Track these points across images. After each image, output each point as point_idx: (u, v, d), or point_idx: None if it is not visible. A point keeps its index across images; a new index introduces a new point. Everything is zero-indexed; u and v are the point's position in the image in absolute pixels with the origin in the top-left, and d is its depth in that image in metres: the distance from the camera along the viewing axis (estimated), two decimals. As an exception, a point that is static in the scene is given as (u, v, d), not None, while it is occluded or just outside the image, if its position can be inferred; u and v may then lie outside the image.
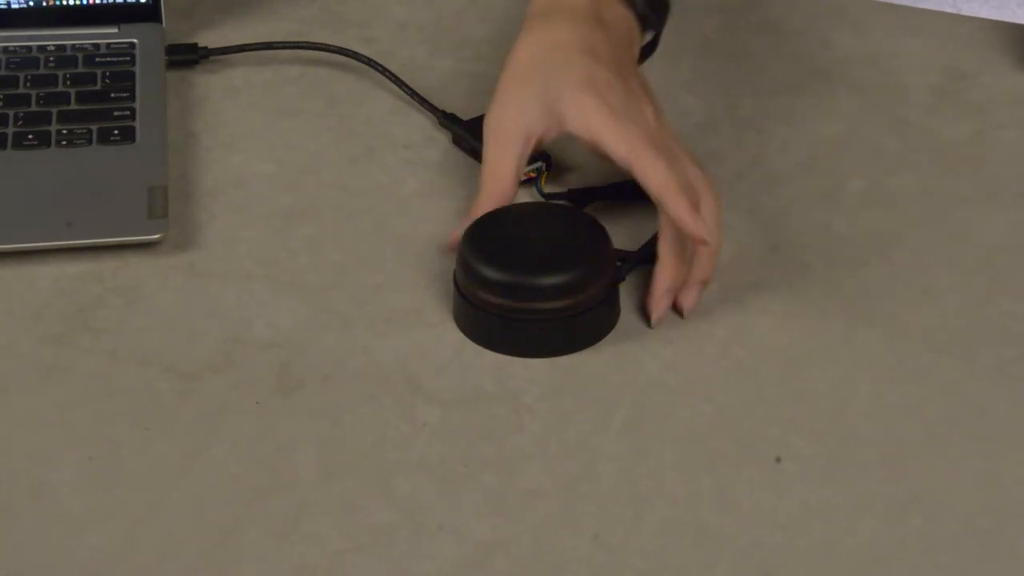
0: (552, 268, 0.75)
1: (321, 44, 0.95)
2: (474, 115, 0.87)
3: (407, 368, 0.74)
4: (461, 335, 0.76)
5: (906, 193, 0.86)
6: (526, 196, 0.85)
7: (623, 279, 0.78)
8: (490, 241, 0.76)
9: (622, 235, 0.80)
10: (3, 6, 0.92)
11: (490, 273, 0.74)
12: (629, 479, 0.69)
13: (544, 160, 0.85)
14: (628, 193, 0.80)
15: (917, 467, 0.70)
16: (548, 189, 0.85)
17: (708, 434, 0.71)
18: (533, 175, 0.85)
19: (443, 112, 0.90)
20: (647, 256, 0.78)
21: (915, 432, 0.71)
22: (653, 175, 0.76)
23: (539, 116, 0.79)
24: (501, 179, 0.80)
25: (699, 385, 0.74)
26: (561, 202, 0.83)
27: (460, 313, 0.77)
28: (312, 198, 0.85)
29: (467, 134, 0.88)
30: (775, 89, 0.93)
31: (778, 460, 0.70)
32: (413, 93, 0.91)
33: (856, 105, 0.92)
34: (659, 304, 0.77)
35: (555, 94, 0.79)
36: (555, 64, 0.79)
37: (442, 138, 0.89)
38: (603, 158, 0.79)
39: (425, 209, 0.84)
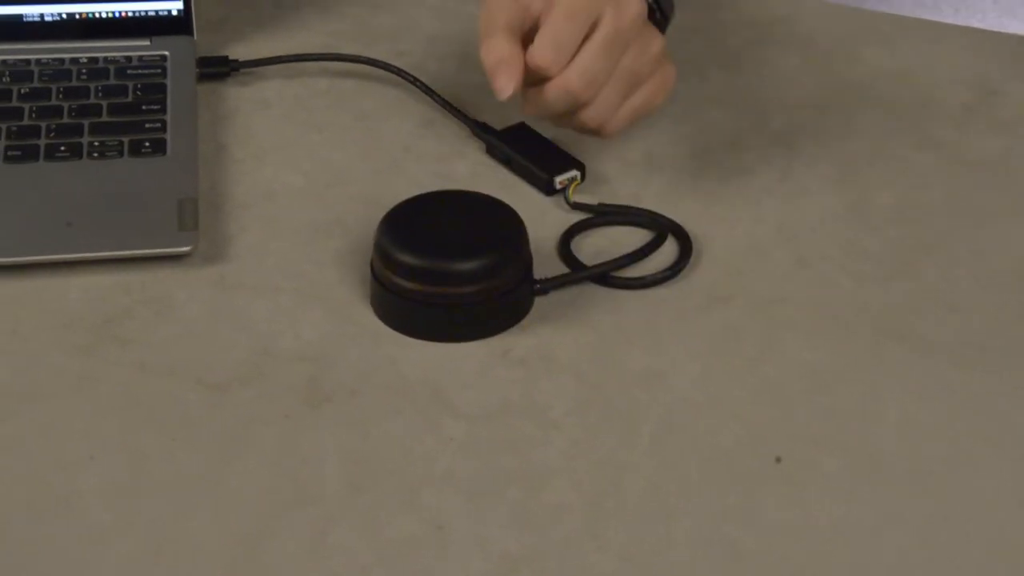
0: (465, 254, 0.75)
1: (351, 56, 0.95)
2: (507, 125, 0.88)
3: (433, 381, 0.75)
4: (488, 348, 0.76)
5: (935, 209, 0.86)
6: (553, 206, 0.85)
7: (545, 292, 0.79)
8: (406, 227, 0.77)
9: (593, 255, 0.80)
10: (36, 19, 0.93)
11: (405, 258, 0.75)
12: (656, 495, 0.69)
13: (579, 170, 0.86)
14: (652, 247, 0.81)
15: (945, 484, 0.70)
16: (577, 199, 0.85)
17: (735, 450, 0.71)
18: (565, 184, 0.85)
19: (476, 121, 0.90)
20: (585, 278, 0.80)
21: (943, 449, 0.71)
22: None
23: None
24: (492, 9, 0.80)
25: (726, 401, 0.74)
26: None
27: (376, 298, 0.78)
28: (341, 211, 0.85)
29: (501, 143, 0.88)
30: (804, 104, 0.93)
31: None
32: (445, 103, 0.92)
33: (885, 121, 0.92)
34: (492, 70, 0.78)
35: None
36: None
37: (471, 151, 0.89)
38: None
39: (453, 222, 0.84)
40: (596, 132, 0.82)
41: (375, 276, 0.77)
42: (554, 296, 0.79)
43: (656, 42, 0.80)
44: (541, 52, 0.78)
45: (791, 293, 0.80)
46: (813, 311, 0.79)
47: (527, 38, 0.79)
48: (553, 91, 0.79)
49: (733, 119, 0.92)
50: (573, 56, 0.78)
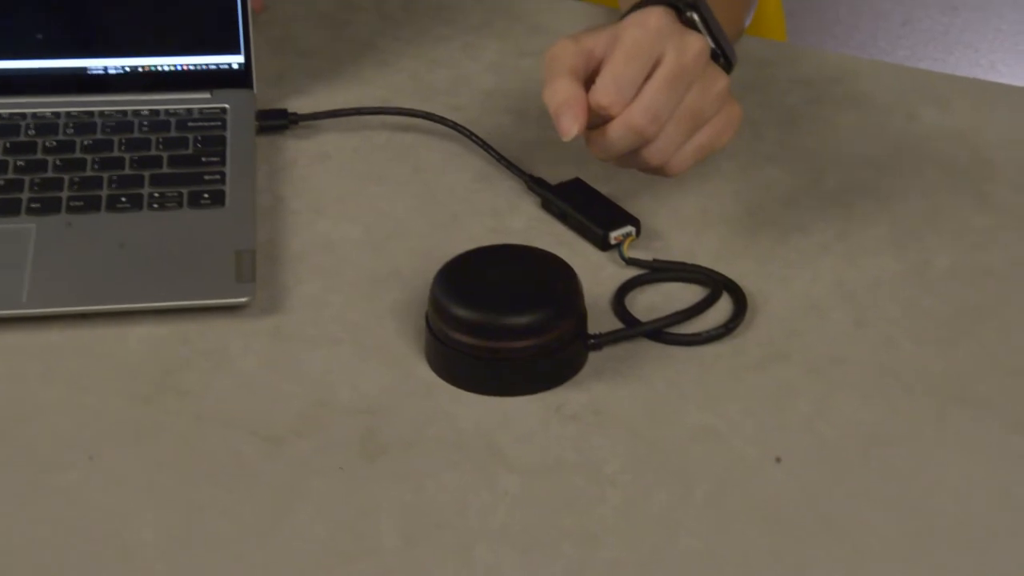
0: (519, 308, 0.76)
1: (409, 110, 0.96)
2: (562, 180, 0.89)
3: (488, 435, 0.75)
4: (542, 403, 0.76)
5: (994, 270, 0.85)
6: (608, 261, 0.85)
7: (599, 347, 0.79)
8: (461, 281, 0.77)
9: (647, 311, 0.80)
10: (100, 71, 0.94)
11: (460, 312, 0.75)
12: (710, 553, 0.69)
13: (634, 225, 0.86)
14: (706, 304, 0.82)
15: (1004, 552, 0.69)
16: (632, 255, 0.85)
17: (790, 509, 0.71)
18: (620, 239, 0.86)
19: (531, 176, 0.91)
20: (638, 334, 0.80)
21: (1002, 516, 0.70)
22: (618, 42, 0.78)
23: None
24: (556, 55, 0.80)
25: (782, 460, 0.73)
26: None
27: (431, 352, 0.78)
28: (397, 263, 0.85)
29: (556, 198, 0.88)
30: (861, 163, 0.93)
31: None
32: (500, 158, 0.92)
33: (943, 180, 0.92)
34: (556, 111, 0.79)
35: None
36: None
37: (527, 206, 0.90)
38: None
39: (509, 277, 0.84)
40: (660, 170, 0.82)
41: (430, 329, 0.78)
42: (608, 351, 0.79)
43: (720, 81, 0.81)
44: (603, 91, 0.78)
45: (848, 353, 0.79)
46: (870, 371, 0.78)
47: (590, 82, 0.80)
48: (616, 129, 0.79)
49: (789, 177, 0.92)
50: (636, 95, 0.78)
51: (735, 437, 0.74)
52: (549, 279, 0.78)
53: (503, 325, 0.76)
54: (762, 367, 0.79)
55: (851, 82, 1.01)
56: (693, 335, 0.80)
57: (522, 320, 0.76)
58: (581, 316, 0.78)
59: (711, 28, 0.82)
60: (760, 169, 0.92)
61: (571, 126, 0.78)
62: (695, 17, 0.82)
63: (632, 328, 0.80)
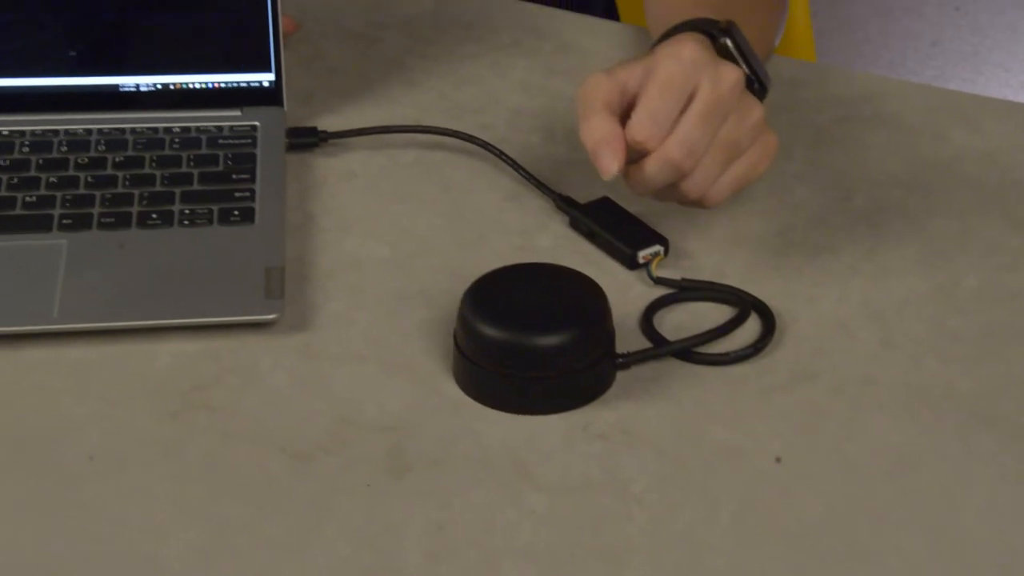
0: (547, 327, 0.76)
1: (437, 128, 0.96)
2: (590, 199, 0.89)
3: (515, 453, 0.75)
4: (570, 421, 0.76)
5: (1023, 291, 0.85)
6: (636, 280, 0.85)
7: (627, 366, 0.79)
8: (489, 300, 0.77)
9: (675, 331, 0.80)
10: (132, 89, 0.95)
11: (488, 331, 0.76)
12: (736, 573, 0.68)
13: (662, 244, 0.86)
14: (735, 324, 0.81)
15: (1032, 572, 0.69)
16: (660, 274, 0.85)
17: (817, 530, 0.71)
18: (649, 258, 0.86)
19: (559, 195, 0.91)
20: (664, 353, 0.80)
21: (1030, 536, 0.70)
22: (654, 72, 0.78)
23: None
24: (590, 91, 0.80)
25: (808, 480, 0.73)
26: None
27: (458, 369, 0.78)
28: (425, 281, 0.86)
29: (584, 217, 0.89)
30: (889, 183, 0.93)
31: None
32: (529, 176, 0.93)
33: (972, 201, 0.92)
34: (594, 150, 0.79)
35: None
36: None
37: (555, 224, 0.90)
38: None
39: (537, 295, 0.85)
40: (698, 203, 0.82)
41: (458, 347, 0.78)
42: (636, 371, 0.79)
43: (755, 111, 0.81)
44: (639, 126, 0.78)
45: (876, 373, 0.79)
46: (899, 392, 0.78)
47: (626, 116, 0.80)
48: (654, 164, 0.79)
49: (818, 197, 0.92)
50: (672, 129, 0.78)
51: (762, 457, 0.74)
52: (577, 298, 0.78)
53: (531, 344, 0.76)
54: (790, 387, 0.79)
55: (880, 102, 1.00)
56: (721, 355, 0.80)
57: (550, 339, 0.76)
58: (609, 335, 0.78)
59: (745, 54, 0.83)
60: (789, 189, 0.92)
61: (611, 164, 0.78)
62: (729, 44, 0.82)
63: (660, 347, 0.80)
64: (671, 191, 0.81)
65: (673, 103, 0.78)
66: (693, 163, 0.79)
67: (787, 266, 0.87)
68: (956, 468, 0.74)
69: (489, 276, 0.80)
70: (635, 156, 0.80)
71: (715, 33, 0.83)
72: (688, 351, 0.80)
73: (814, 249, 0.88)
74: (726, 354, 0.80)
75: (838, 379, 0.79)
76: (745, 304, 0.83)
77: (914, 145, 0.97)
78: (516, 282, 0.79)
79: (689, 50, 0.79)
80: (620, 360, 0.79)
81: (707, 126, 0.78)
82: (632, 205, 0.89)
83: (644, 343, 0.81)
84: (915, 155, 0.96)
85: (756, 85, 0.83)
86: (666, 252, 0.86)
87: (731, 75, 0.79)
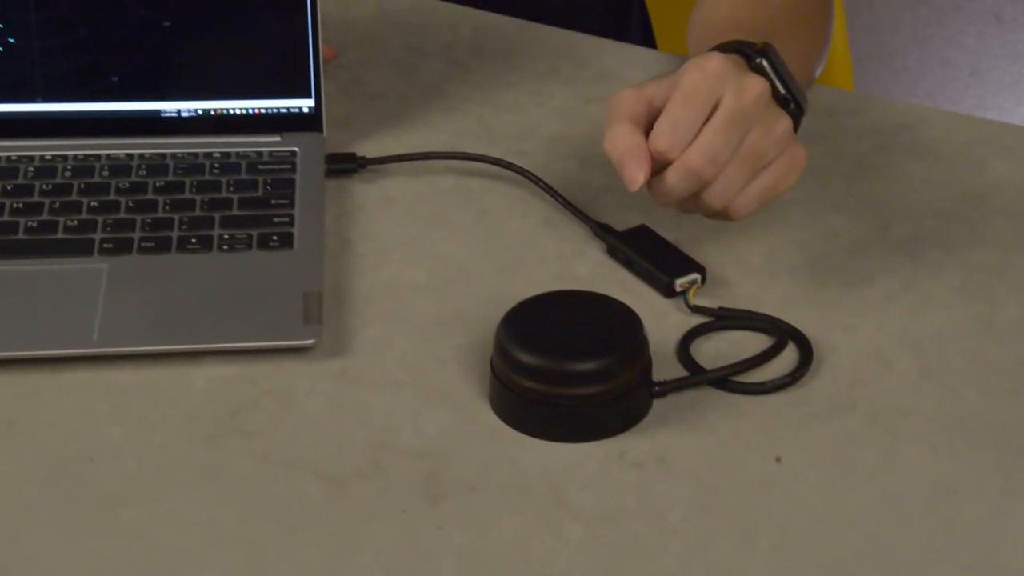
0: (584, 355, 0.76)
1: (476, 155, 0.97)
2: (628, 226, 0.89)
3: (551, 481, 0.75)
4: (606, 449, 0.76)
5: (1063, 322, 0.84)
6: (673, 308, 0.85)
7: (664, 395, 0.78)
8: (526, 327, 0.78)
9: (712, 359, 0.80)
10: (173, 114, 0.96)
11: (525, 358, 0.76)
12: (773, 604, 0.68)
13: (700, 273, 0.86)
14: (772, 353, 0.81)
15: (1072, 606, 0.68)
16: (697, 302, 0.85)
17: (853, 561, 0.70)
18: (686, 286, 0.85)
19: (597, 222, 0.91)
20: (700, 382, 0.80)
21: (1070, 569, 0.70)
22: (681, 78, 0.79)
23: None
24: (616, 104, 0.81)
25: (845, 511, 0.73)
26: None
27: (495, 396, 0.78)
28: (462, 308, 0.86)
29: (622, 244, 0.89)
30: (928, 212, 0.93)
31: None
32: (567, 203, 0.93)
33: (1011, 231, 0.91)
34: (620, 161, 0.79)
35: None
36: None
37: (592, 252, 0.90)
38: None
39: (573, 323, 0.85)
40: (723, 214, 0.82)
41: (495, 374, 0.78)
42: (673, 399, 0.79)
43: (782, 122, 0.80)
44: (661, 136, 0.79)
45: (915, 404, 0.79)
46: (937, 423, 0.78)
47: (650, 130, 0.80)
48: (674, 173, 0.79)
49: (855, 226, 0.92)
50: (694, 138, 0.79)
51: (799, 487, 0.74)
52: (614, 326, 0.78)
53: (569, 371, 0.76)
54: (827, 418, 0.78)
55: (919, 131, 1.00)
56: (758, 384, 0.80)
57: (587, 367, 0.76)
58: (646, 363, 0.78)
59: (781, 74, 0.82)
60: (826, 218, 0.92)
61: (636, 174, 0.79)
62: (765, 64, 0.82)
63: (697, 376, 0.80)
64: (695, 202, 0.81)
65: (695, 113, 0.78)
66: (715, 172, 0.79)
67: (825, 295, 0.86)
68: (995, 501, 0.73)
69: (526, 303, 0.80)
70: (660, 168, 0.80)
71: (750, 53, 0.83)
72: (725, 380, 0.80)
73: (852, 279, 0.88)
74: (763, 383, 0.80)
75: (876, 409, 0.79)
76: (782, 333, 0.83)
77: (953, 175, 0.96)
78: (553, 309, 0.80)
79: (715, 63, 0.79)
80: (657, 388, 0.79)
81: (729, 135, 0.78)
82: (670, 233, 0.89)
83: (681, 371, 0.81)
84: (954, 185, 0.95)
85: (792, 106, 0.83)
86: (703, 280, 0.86)
87: (756, 86, 0.79)
